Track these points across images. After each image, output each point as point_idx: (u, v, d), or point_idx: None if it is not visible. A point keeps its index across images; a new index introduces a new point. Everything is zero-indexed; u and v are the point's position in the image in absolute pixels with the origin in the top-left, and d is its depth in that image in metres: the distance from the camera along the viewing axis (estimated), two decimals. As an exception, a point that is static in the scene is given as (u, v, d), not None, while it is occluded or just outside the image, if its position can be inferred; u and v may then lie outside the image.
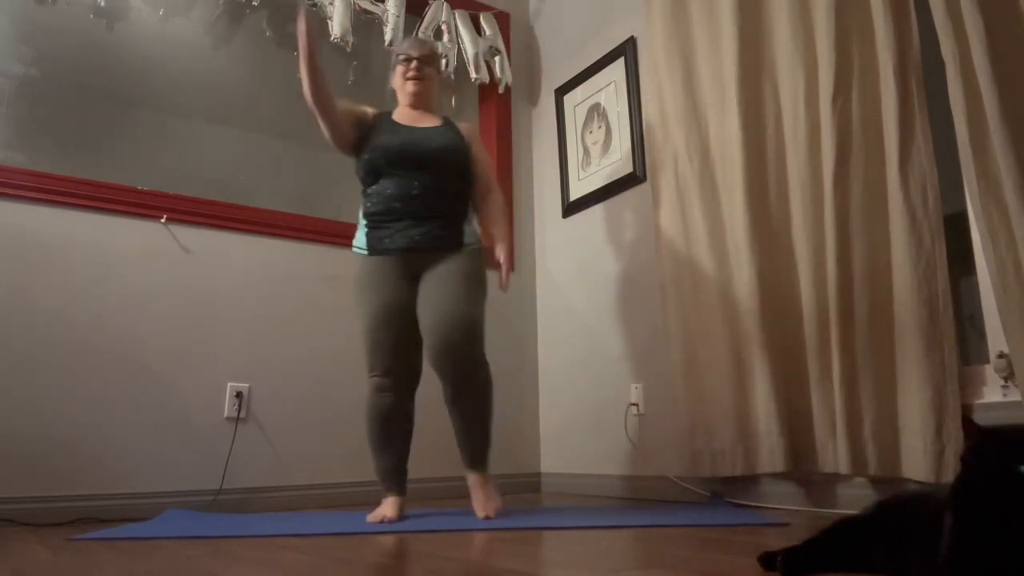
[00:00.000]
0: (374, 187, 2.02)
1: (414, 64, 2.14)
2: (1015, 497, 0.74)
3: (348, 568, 1.19)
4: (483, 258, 2.06)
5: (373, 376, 1.96)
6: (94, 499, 2.11)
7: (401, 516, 1.90)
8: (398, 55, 2.19)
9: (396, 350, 1.95)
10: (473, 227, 2.10)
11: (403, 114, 2.15)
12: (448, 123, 2.16)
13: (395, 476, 1.97)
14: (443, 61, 3.13)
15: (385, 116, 2.13)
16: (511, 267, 2.06)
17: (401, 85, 2.17)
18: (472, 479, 1.98)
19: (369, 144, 2.04)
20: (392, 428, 1.96)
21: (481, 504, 1.92)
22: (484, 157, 2.20)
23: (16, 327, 2.11)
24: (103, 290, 2.26)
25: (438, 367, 1.92)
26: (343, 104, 2.05)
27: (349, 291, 2.71)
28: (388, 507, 1.90)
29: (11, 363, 2.08)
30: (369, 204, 2.03)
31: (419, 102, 2.15)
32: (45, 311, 2.16)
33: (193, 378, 2.36)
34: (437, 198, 2.00)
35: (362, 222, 2.06)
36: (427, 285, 1.97)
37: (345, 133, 2.03)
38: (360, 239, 2.05)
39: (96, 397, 2.18)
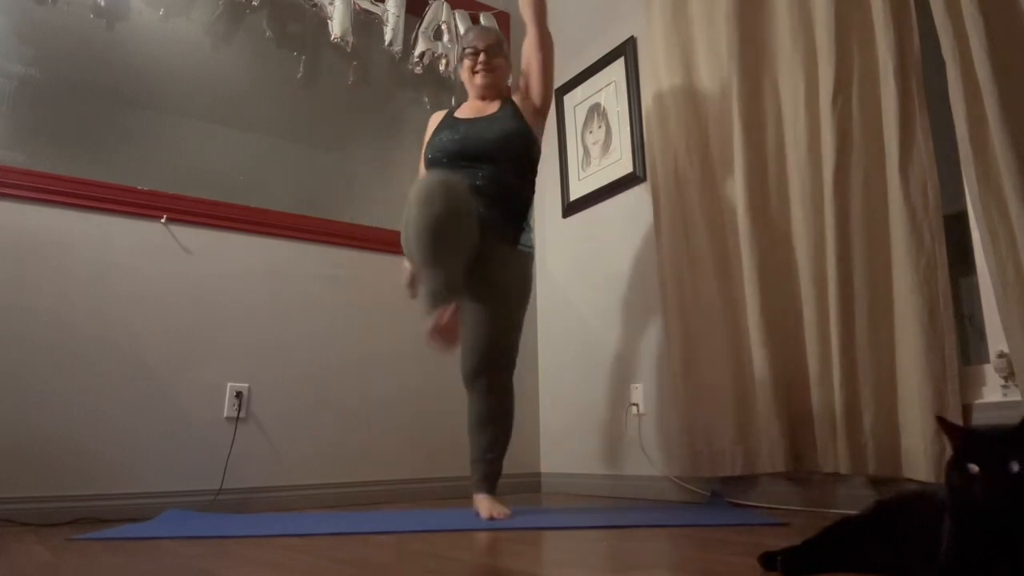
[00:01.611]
0: None
1: (482, 57, 2.13)
2: (1000, 500, 0.74)
3: (348, 568, 1.19)
4: (532, 264, 2.10)
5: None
6: (94, 499, 2.11)
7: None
8: (464, 48, 2.18)
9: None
10: (531, 235, 2.12)
11: (468, 107, 2.16)
12: (507, 103, 2.13)
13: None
14: (443, 61, 3.13)
15: (448, 115, 2.16)
16: None
17: (469, 78, 2.16)
18: (478, 498, 1.98)
19: (430, 143, 2.08)
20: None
21: (487, 509, 1.91)
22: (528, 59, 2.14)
23: (16, 327, 2.11)
24: (103, 290, 2.27)
25: (468, 385, 2.02)
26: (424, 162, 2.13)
27: (349, 291, 2.72)
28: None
29: (11, 363, 2.08)
30: None
31: (488, 93, 2.15)
32: (45, 311, 2.16)
33: (193, 378, 2.36)
34: (500, 188, 2.02)
35: None
36: (476, 291, 1.98)
37: None
38: None
39: (96, 397, 2.18)
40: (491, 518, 1.85)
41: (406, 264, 2.09)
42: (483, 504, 1.93)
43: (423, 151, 2.17)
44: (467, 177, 1.98)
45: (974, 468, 0.76)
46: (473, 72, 2.14)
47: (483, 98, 2.16)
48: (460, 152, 2.01)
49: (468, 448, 2.03)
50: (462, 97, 3.36)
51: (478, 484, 1.99)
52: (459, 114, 2.14)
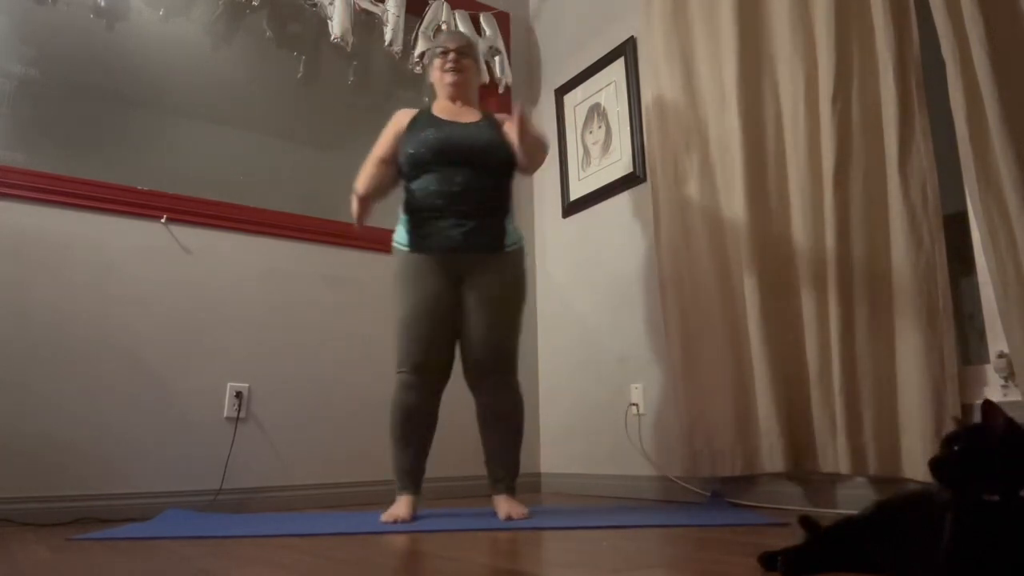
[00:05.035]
0: (416, 182, 2.01)
1: (451, 56, 2.13)
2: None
3: (348, 568, 1.19)
4: (523, 259, 2.08)
5: (401, 372, 1.96)
6: (94, 499, 2.11)
7: (414, 516, 1.90)
8: (435, 48, 2.20)
9: (429, 348, 1.95)
10: (515, 226, 2.08)
11: (443, 108, 2.14)
12: (488, 117, 2.14)
13: (412, 475, 1.97)
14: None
15: (423, 112, 2.13)
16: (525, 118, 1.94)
17: (439, 78, 2.16)
18: (497, 499, 1.98)
19: (411, 138, 2.03)
20: (415, 426, 1.96)
21: (505, 510, 1.91)
22: None
23: (16, 327, 2.11)
24: (103, 290, 2.26)
25: (473, 388, 2.03)
26: (381, 151, 2.08)
27: (349, 291, 2.72)
28: (402, 506, 1.90)
29: (11, 363, 2.08)
30: (411, 200, 2.02)
31: (458, 93, 2.14)
32: (45, 311, 2.16)
33: (193, 378, 2.36)
34: (479, 194, 1.98)
35: (402, 217, 2.05)
36: (469, 302, 1.98)
37: (396, 174, 2.09)
38: (401, 234, 2.04)
39: (96, 397, 2.18)
40: (508, 518, 1.84)
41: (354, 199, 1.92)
42: (501, 505, 1.94)
43: (385, 144, 2.08)
44: (444, 182, 1.96)
45: None
46: (443, 71, 2.13)
47: (453, 99, 2.14)
48: (443, 151, 1.98)
49: (481, 449, 2.05)
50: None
51: (495, 485, 2.01)
52: (437, 112, 2.12)
